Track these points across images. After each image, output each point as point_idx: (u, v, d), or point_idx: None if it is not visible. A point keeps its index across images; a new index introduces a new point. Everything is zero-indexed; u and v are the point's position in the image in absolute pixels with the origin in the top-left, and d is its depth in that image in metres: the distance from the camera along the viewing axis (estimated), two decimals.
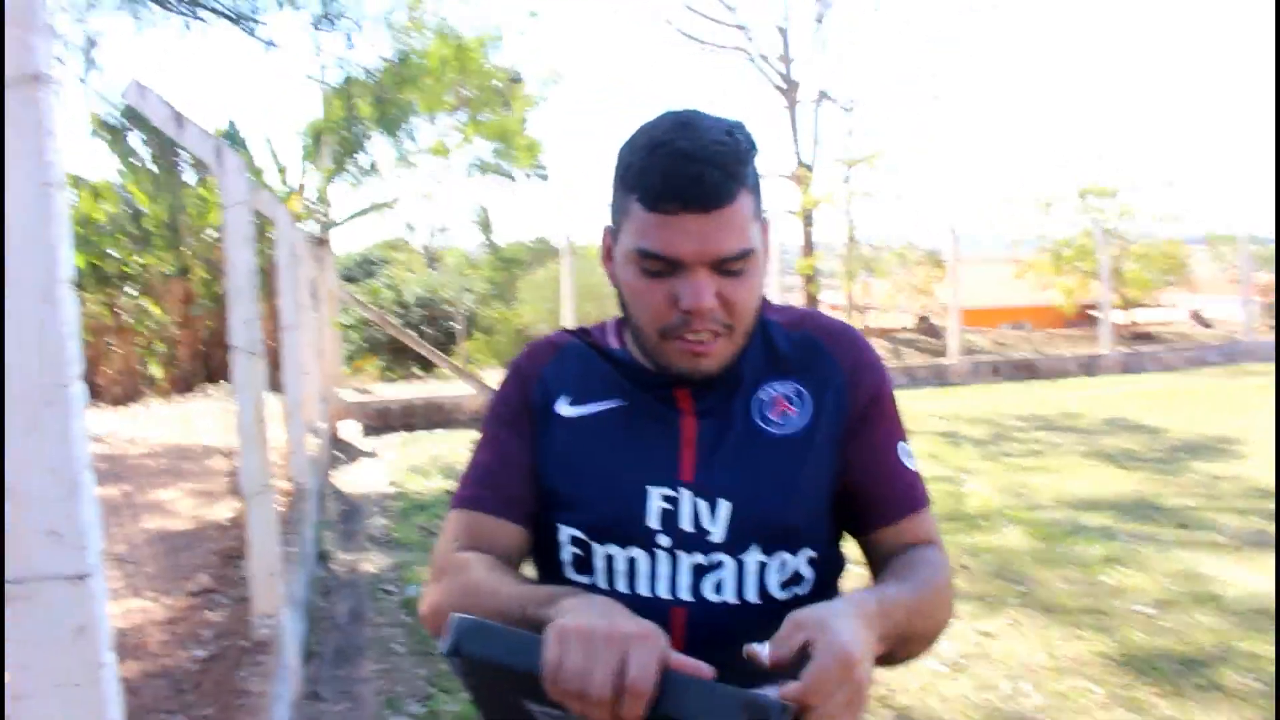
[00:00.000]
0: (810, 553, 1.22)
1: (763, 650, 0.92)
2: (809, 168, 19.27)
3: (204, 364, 13.20)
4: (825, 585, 1.27)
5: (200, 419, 7.68)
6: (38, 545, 1.22)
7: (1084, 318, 18.63)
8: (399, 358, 16.26)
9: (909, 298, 16.20)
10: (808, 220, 18.13)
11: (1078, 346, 15.69)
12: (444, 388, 12.38)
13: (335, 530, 6.43)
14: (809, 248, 18.58)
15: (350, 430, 10.71)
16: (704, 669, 0.90)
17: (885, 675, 3.74)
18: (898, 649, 1.09)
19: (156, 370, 13.52)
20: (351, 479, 8.29)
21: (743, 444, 1.22)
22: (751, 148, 1.14)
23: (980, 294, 19.64)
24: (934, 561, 1.22)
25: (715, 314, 1.13)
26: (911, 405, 11.30)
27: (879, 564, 1.26)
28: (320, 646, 4.28)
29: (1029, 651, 3.95)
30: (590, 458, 1.23)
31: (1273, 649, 3.85)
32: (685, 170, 1.09)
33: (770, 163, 20.47)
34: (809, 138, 20.37)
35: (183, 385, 12.96)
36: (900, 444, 1.28)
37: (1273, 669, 3.67)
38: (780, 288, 15.22)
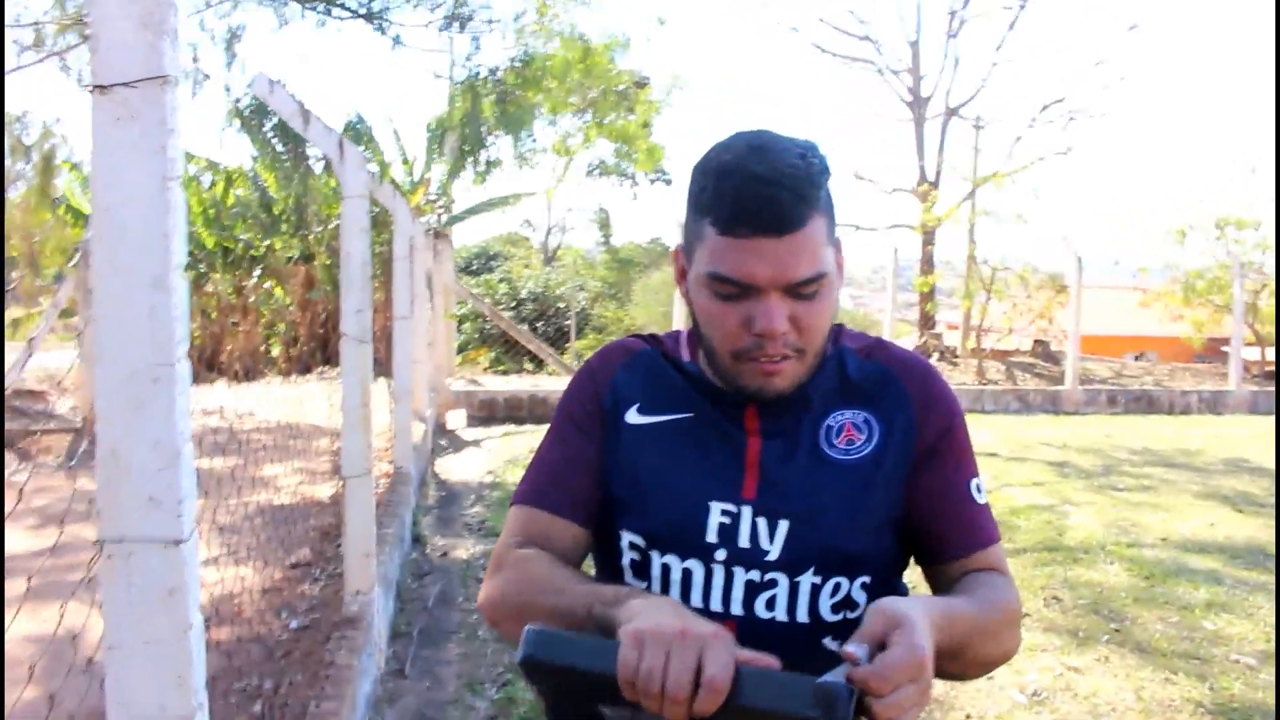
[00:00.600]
0: (865, 579, 1.24)
1: (860, 651, 0.94)
2: (933, 184, 18.98)
3: (321, 346, 13.64)
4: None
5: (313, 400, 7.96)
6: (137, 510, 1.32)
7: (1213, 352, 17.91)
8: (510, 352, 16.55)
9: (1028, 321, 15.78)
10: (928, 238, 17.86)
11: (1204, 382, 15.09)
12: (551, 383, 12.55)
13: (432, 515, 6.61)
14: (928, 265, 18.30)
15: (457, 420, 10.96)
16: (772, 660, 0.94)
17: (964, 700, 3.70)
18: (949, 664, 1.09)
19: (276, 350, 14.04)
20: (453, 467, 8.50)
21: (807, 467, 1.24)
22: (824, 170, 1.16)
23: (1103, 322, 19.06)
24: (1002, 587, 1.23)
25: (788, 337, 1.15)
26: (1023, 432, 11.03)
27: (945, 592, 1.26)
28: (408, 626, 4.41)
29: (1116, 691, 3.85)
30: (655, 468, 1.26)
31: None
32: (758, 193, 1.10)
33: (895, 178, 20.18)
34: (934, 154, 20.11)
35: (301, 366, 13.43)
36: (972, 479, 1.28)
37: None
38: (897, 305, 15.04)
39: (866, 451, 1.25)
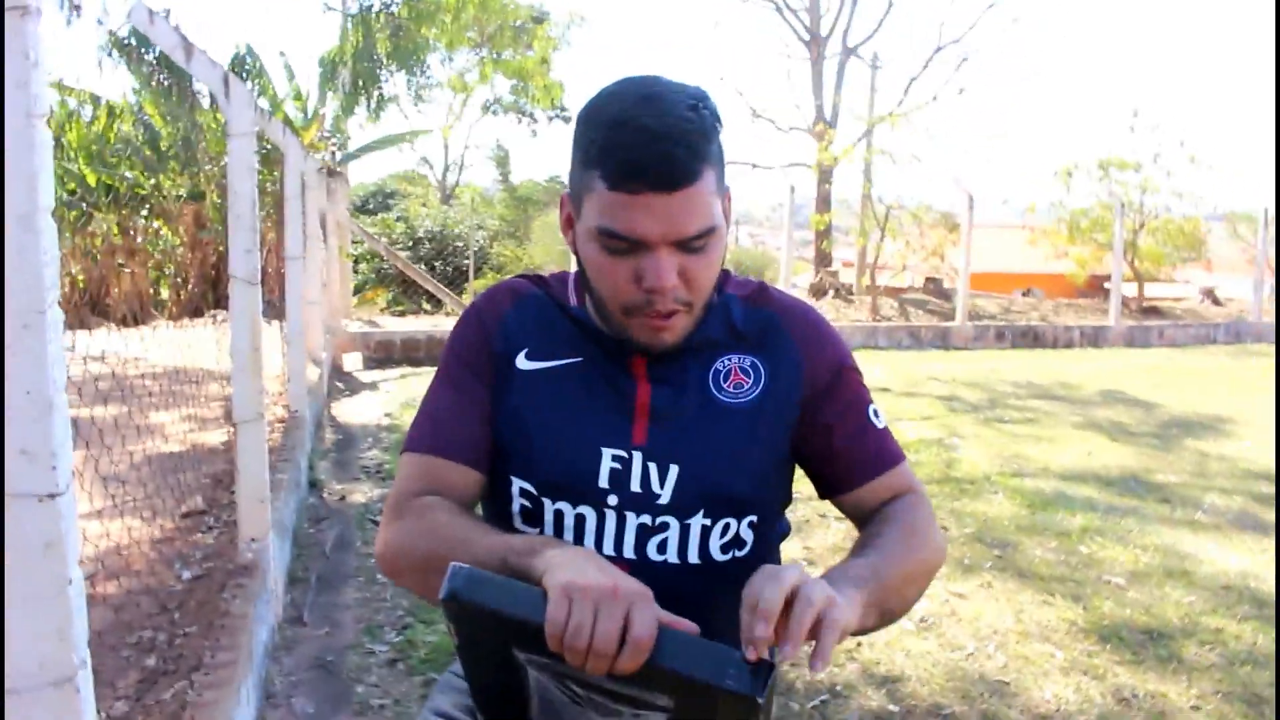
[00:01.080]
0: (753, 518, 1.27)
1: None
2: (830, 123, 19.15)
3: (213, 288, 13.25)
4: (766, 549, 1.33)
5: (204, 344, 7.75)
6: (11, 464, 1.27)
7: (1096, 289, 18.56)
8: (408, 292, 16.33)
9: (921, 259, 16.12)
10: (825, 177, 18.04)
11: (1086, 317, 15.66)
12: (449, 323, 12.41)
13: (329, 459, 6.52)
14: (824, 204, 18.51)
15: (353, 362, 10.79)
16: (692, 626, 0.96)
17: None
18: (887, 602, 1.12)
19: (166, 293, 13.59)
20: (350, 410, 8.38)
21: (696, 411, 1.26)
22: (716, 121, 1.15)
23: (992, 259, 19.54)
24: (912, 507, 1.27)
25: (677, 291, 1.16)
26: (913, 366, 11.33)
27: (862, 522, 1.30)
28: (305, 572, 4.37)
29: (998, 614, 4.03)
30: (545, 414, 1.26)
31: (1237, 626, 3.93)
32: (650, 149, 1.09)
33: (792, 117, 20.32)
34: (831, 93, 20.26)
35: (191, 309, 13.03)
36: (869, 405, 1.32)
37: (1235, 646, 3.75)
38: (794, 242, 15.19)
39: (754, 395, 1.27)
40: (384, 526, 1.26)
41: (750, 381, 1.28)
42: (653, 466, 1.23)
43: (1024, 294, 18.29)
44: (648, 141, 1.09)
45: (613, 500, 1.23)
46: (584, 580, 0.94)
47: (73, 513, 1.35)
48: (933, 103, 19.16)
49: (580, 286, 1.33)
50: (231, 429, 3.83)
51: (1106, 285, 16.49)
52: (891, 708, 3.27)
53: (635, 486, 1.23)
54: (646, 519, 1.23)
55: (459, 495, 1.25)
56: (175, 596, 3.47)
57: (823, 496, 1.35)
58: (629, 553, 1.23)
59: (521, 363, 1.29)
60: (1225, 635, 3.85)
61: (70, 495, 1.35)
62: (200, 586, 3.57)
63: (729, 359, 1.29)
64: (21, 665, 1.28)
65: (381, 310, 16.04)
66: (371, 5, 10.34)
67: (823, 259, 18.33)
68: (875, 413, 1.32)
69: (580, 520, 1.23)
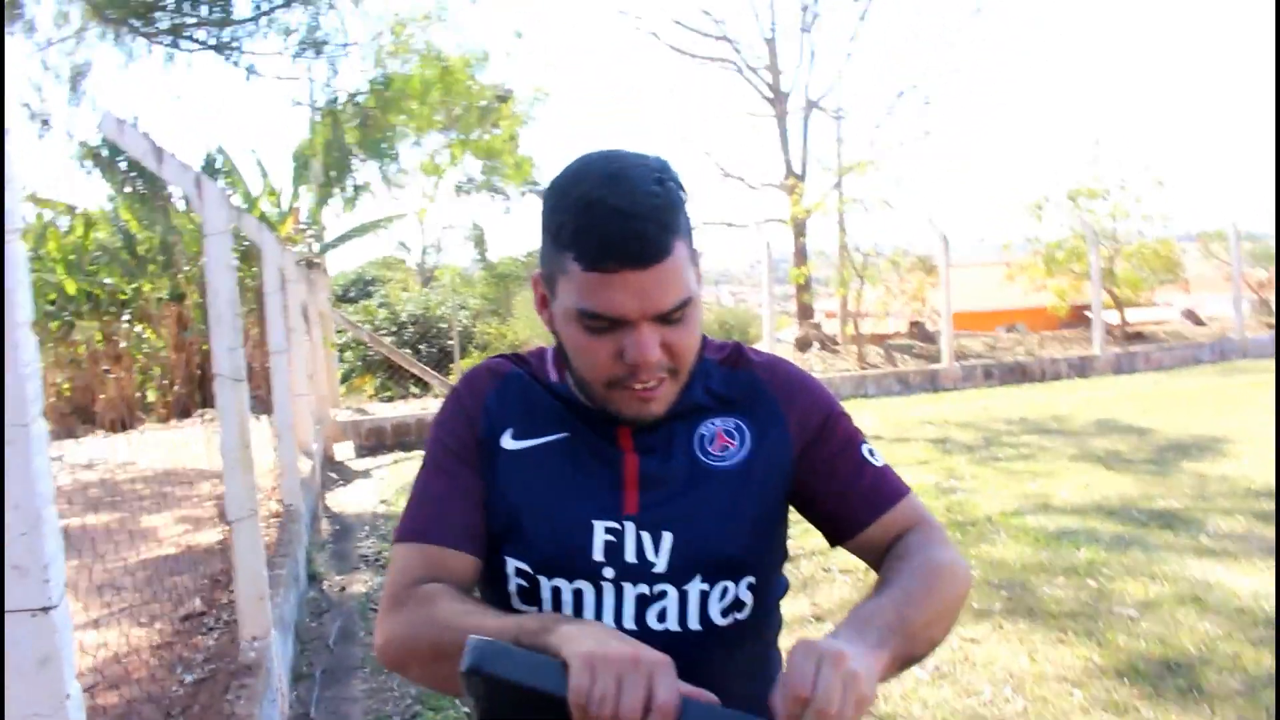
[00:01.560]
0: (751, 579, 1.25)
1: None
2: (799, 177, 19.38)
3: (199, 387, 13.22)
4: (766, 610, 1.31)
5: (193, 444, 7.71)
6: (6, 579, 1.26)
7: (1078, 319, 18.68)
8: (395, 377, 16.31)
9: (902, 304, 16.23)
10: (800, 229, 18.21)
11: (1071, 348, 15.74)
12: (438, 405, 12.38)
13: (327, 551, 6.47)
14: (801, 257, 18.67)
15: (345, 451, 10.74)
16: (710, 697, 0.95)
17: None
18: (913, 644, 1.10)
19: (153, 395, 13.55)
20: (345, 500, 8.33)
21: (685, 477, 1.25)
22: (681, 191, 1.16)
23: (973, 298, 19.70)
24: (926, 540, 1.24)
25: (662, 362, 1.16)
26: (904, 412, 11.34)
27: (878, 563, 1.27)
28: (310, 667, 4.31)
29: (1012, 657, 3.98)
30: (535, 492, 1.25)
31: (1255, 651, 3.89)
32: (622, 228, 1.09)
33: (762, 173, 20.55)
34: (799, 147, 20.52)
35: (179, 410, 12.99)
36: (862, 445, 1.31)
37: (1255, 671, 3.71)
38: (775, 297, 15.28)
39: (740, 456, 1.27)
40: (383, 619, 1.23)
41: (736, 444, 1.28)
42: (646, 535, 1.22)
43: (1007, 330, 18.38)
44: (619, 221, 1.10)
45: (609, 573, 1.22)
46: (606, 650, 0.93)
47: (68, 625, 1.33)
48: (900, 147, 19.45)
49: (559, 362, 1.33)
50: (226, 528, 3.79)
51: (1088, 314, 16.60)
52: None
53: (630, 557, 1.22)
54: (644, 588, 1.21)
55: (457, 581, 1.23)
56: (178, 701, 3.42)
57: (833, 544, 1.33)
58: (629, 624, 1.21)
59: (507, 443, 1.29)
60: (1244, 660, 3.81)
61: (64, 608, 1.33)
62: (204, 689, 3.51)
63: (713, 423, 1.29)
64: None
65: (370, 397, 16.00)
66: (336, 98, 10.46)
67: (805, 311, 18.43)
68: (870, 452, 1.31)
69: (578, 595, 1.22)
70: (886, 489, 1.29)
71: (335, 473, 9.68)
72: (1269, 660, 3.79)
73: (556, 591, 1.22)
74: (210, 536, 5.73)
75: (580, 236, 1.12)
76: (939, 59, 34.72)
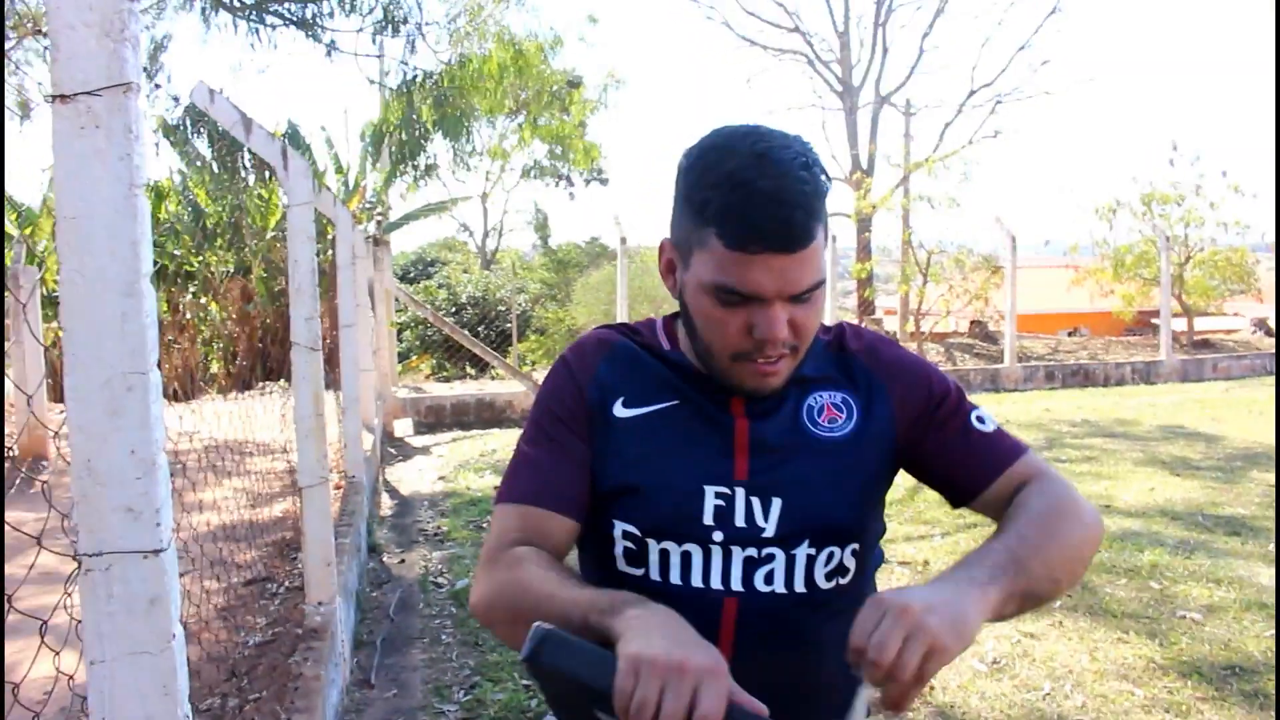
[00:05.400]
0: (855, 545, 1.29)
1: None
2: (866, 172, 19.22)
3: (260, 361, 13.44)
4: (865, 577, 1.34)
5: (255, 416, 7.86)
6: (116, 521, 1.30)
7: (1144, 325, 18.35)
8: (453, 357, 16.45)
9: (965, 303, 16.04)
10: (864, 225, 18.08)
11: (1136, 354, 15.47)
12: (496, 387, 12.51)
13: (386, 525, 6.56)
14: (865, 252, 18.53)
15: (404, 427, 10.88)
16: (762, 708, 0.94)
17: None
18: (1032, 581, 1.11)
19: (216, 367, 13.81)
20: (404, 475, 8.44)
21: (795, 446, 1.28)
22: (825, 179, 1.18)
23: (1038, 300, 19.42)
24: (1043, 488, 1.25)
25: (787, 340, 1.19)
26: None
27: (1000, 517, 1.27)
28: (370, 636, 4.39)
29: (1072, 654, 3.95)
30: (648, 459, 1.28)
31: None
32: (771, 213, 1.11)
33: (829, 167, 20.47)
34: (867, 141, 20.36)
35: (241, 383, 13.22)
36: (971, 413, 1.33)
37: None
38: (836, 292, 15.19)
39: (848, 429, 1.30)
40: (478, 576, 1.26)
41: (844, 417, 1.30)
42: (756, 500, 1.25)
43: (1070, 334, 18.11)
44: (769, 207, 1.11)
45: (718, 536, 1.24)
46: (651, 653, 0.92)
47: (175, 569, 1.38)
48: (969, 146, 19.18)
49: (669, 329, 1.36)
50: (290, 498, 3.87)
51: (1154, 321, 16.30)
52: None
53: (740, 521, 1.24)
54: (753, 552, 1.24)
55: (555, 544, 1.25)
56: (243, 663, 3.50)
57: (955, 506, 1.35)
58: (736, 585, 1.24)
59: (619, 410, 1.31)
60: None
61: (173, 551, 1.37)
62: (268, 652, 3.59)
63: (821, 395, 1.31)
64: None
65: (426, 377, 16.16)
66: (415, 76, 10.53)
67: (865, 307, 18.29)
68: (980, 418, 1.32)
69: (686, 557, 1.24)
70: (998, 452, 1.31)
71: (394, 448, 9.81)
72: None
73: (665, 554, 1.25)
74: (272, 507, 5.84)
75: (726, 215, 1.13)
76: (1013, 58, 34.21)
